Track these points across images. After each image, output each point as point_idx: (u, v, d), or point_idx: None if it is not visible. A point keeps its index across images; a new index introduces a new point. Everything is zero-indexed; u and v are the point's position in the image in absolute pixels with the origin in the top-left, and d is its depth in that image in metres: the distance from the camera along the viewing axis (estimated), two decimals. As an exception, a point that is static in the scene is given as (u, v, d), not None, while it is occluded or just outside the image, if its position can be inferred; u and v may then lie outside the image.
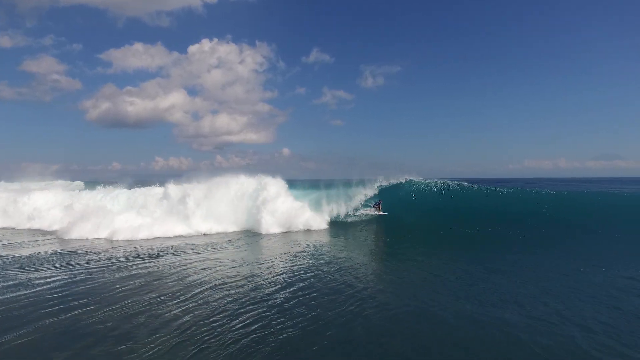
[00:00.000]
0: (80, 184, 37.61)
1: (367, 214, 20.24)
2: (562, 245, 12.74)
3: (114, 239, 15.23)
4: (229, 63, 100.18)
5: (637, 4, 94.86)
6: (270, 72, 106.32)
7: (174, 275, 9.21)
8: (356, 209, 20.50)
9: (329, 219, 18.93)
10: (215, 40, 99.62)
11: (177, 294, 7.62)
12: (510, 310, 6.63)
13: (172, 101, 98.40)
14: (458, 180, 23.54)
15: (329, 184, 22.25)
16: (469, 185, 22.20)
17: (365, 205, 21.00)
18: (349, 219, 19.46)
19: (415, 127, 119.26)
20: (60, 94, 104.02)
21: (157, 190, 21.04)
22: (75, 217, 17.71)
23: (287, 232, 16.79)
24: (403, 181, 23.02)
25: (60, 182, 36.96)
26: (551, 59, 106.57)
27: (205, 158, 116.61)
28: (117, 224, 16.23)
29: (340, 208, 20.05)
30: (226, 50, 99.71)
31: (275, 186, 18.85)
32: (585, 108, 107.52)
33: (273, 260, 11.05)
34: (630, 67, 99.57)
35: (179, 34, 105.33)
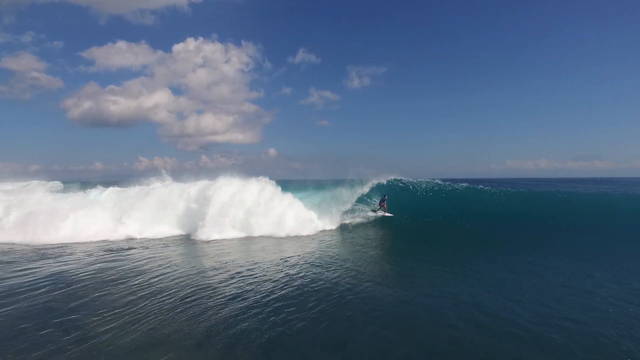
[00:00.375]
0: (58, 184, 36.44)
1: (374, 216, 18.86)
2: (567, 244, 12.73)
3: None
4: (214, 62, 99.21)
5: (617, 7, 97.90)
6: (256, 72, 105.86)
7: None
8: (354, 211, 19.20)
9: (337, 221, 17.66)
10: (201, 39, 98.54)
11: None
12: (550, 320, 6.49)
13: (157, 100, 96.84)
14: (443, 180, 23.65)
15: (319, 186, 21.54)
16: (459, 185, 22.50)
17: (371, 206, 19.78)
18: (348, 221, 18.15)
19: (400, 128, 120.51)
20: (41, 92, 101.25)
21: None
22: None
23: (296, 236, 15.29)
24: (384, 182, 22.16)
25: (35, 182, 35.78)
26: (534, 61, 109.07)
27: (190, 158, 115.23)
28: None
29: (338, 210, 18.42)
30: (212, 49, 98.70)
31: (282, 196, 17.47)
32: (565, 110, 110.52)
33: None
34: (609, 69, 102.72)
35: (164, 32, 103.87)
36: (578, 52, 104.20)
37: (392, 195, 20.51)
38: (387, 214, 19.11)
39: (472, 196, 21.59)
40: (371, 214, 19.29)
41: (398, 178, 22.82)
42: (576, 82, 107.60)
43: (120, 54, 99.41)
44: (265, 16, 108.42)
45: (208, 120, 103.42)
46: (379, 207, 19.61)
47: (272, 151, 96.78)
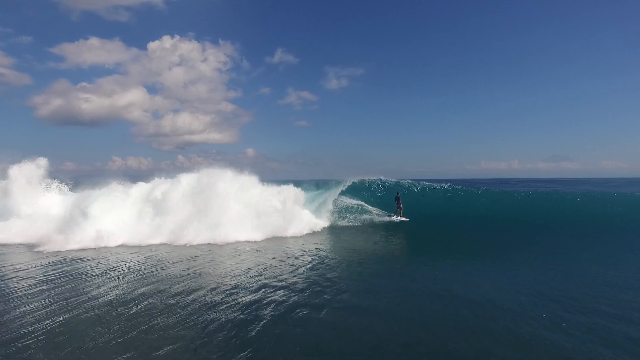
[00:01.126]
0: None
1: (390, 220, 18.09)
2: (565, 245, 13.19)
3: None
4: (191, 61, 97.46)
5: (583, 8, 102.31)
6: (234, 71, 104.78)
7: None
8: (349, 212, 18.71)
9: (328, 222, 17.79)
10: (177, 37, 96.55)
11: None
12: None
13: (131, 99, 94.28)
14: (419, 180, 24.07)
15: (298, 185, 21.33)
16: (438, 185, 22.98)
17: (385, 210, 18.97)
18: (345, 223, 18.02)
19: (377, 129, 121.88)
20: (7, 88, 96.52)
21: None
22: None
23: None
24: (356, 181, 21.73)
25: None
26: (508, 64, 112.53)
27: (166, 158, 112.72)
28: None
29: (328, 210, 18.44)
30: (188, 47, 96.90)
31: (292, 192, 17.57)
32: (537, 112, 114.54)
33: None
34: (577, 72, 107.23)
35: (139, 29, 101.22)
36: (548, 56, 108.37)
37: (370, 196, 20.67)
38: (403, 219, 17.95)
39: (462, 197, 22.23)
40: (385, 219, 18.26)
41: (375, 178, 22.66)
42: (547, 85, 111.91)
43: (92, 50, 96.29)
44: (243, 15, 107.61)
45: (184, 120, 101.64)
46: (395, 210, 18.41)
47: (250, 151, 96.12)
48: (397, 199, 18.45)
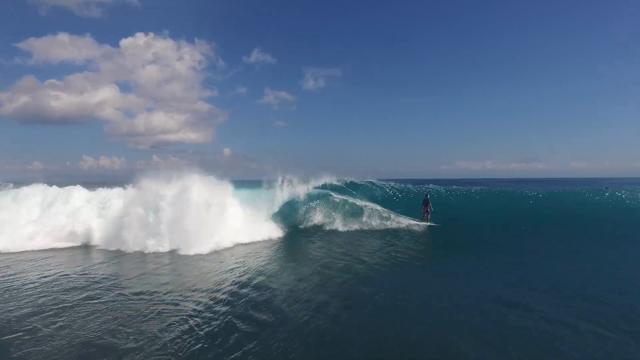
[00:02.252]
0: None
1: (418, 225, 16.66)
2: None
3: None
4: (165, 59, 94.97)
5: (556, 11, 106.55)
6: (210, 70, 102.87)
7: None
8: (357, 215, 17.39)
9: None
10: (152, 34, 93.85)
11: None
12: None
13: (103, 97, 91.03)
14: (395, 180, 24.29)
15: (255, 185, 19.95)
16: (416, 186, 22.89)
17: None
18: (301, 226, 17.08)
19: (354, 130, 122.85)
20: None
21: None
22: None
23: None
24: (322, 183, 20.30)
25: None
26: (481, 66, 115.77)
27: (140, 158, 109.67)
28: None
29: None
30: (163, 45, 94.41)
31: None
32: (506, 113, 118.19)
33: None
34: (548, 74, 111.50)
35: (111, 26, 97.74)
36: (523, 57, 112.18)
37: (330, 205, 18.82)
38: (430, 224, 16.62)
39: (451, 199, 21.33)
40: (412, 222, 16.71)
41: (373, 181, 22.18)
42: (516, 86, 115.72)
43: (62, 46, 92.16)
44: (220, 14, 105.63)
45: (159, 119, 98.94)
46: (422, 215, 17.01)
47: (227, 151, 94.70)
48: (425, 202, 17.09)
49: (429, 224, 16.71)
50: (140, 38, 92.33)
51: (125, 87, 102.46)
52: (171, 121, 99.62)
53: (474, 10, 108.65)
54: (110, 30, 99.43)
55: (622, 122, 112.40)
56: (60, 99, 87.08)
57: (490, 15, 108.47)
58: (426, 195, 17.41)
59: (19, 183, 22.38)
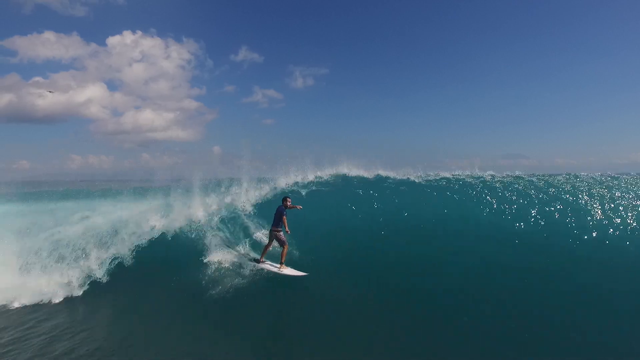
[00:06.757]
0: None
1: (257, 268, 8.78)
2: None
3: None
4: (153, 57, 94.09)
5: (539, 6, 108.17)
6: (198, 69, 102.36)
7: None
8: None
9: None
10: (139, 32, 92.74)
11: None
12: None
13: (89, 95, 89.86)
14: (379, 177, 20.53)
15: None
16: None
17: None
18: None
19: (342, 128, 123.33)
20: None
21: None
22: None
23: None
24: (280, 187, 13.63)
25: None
26: (467, 63, 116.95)
27: (128, 156, 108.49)
28: None
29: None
30: (150, 44, 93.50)
31: None
32: (492, 109, 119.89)
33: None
34: (530, 70, 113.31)
35: (97, 24, 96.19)
36: (506, 54, 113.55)
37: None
38: (283, 270, 8.49)
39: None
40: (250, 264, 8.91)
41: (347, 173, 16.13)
42: (500, 82, 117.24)
43: (47, 45, 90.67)
44: (207, 13, 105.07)
45: (147, 117, 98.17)
46: (269, 239, 8.96)
47: (216, 149, 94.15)
48: (278, 215, 8.69)
49: (281, 270, 8.53)
50: (127, 36, 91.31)
51: (112, 85, 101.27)
52: (159, 119, 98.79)
53: (459, 8, 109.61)
54: (96, 28, 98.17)
55: (607, 118, 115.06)
56: (44, 97, 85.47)
57: (477, 13, 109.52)
58: (284, 200, 8.91)
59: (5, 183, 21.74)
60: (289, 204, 8.98)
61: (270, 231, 8.87)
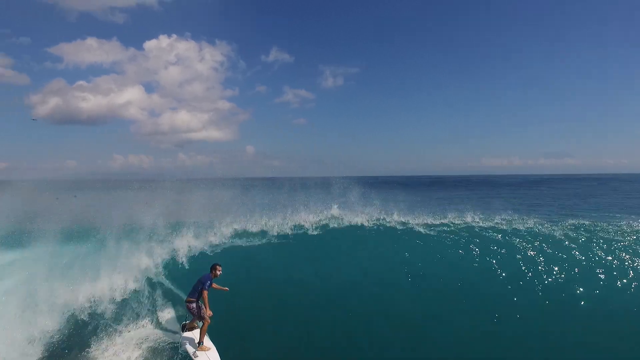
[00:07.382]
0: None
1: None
2: None
3: None
4: (187, 60, 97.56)
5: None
6: (230, 70, 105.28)
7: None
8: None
9: None
10: (174, 36, 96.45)
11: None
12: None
13: (128, 97, 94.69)
14: (419, 177, 21.79)
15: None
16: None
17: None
18: None
19: (373, 126, 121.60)
20: (5, 88, 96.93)
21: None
22: None
23: None
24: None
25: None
26: (508, 59, 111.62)
27: (166, 156, 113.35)
28: None
29: None
30: (185, 47, 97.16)
31: None
32: (538, 108, 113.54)
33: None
34: (578, 69, 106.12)
35: (135, 30, 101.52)
36: (549, 51, 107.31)
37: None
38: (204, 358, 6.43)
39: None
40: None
41: None
42: (546, 81, 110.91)
43: (90, 50, 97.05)
44: (239, 15, 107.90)
45: (183, 118, 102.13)
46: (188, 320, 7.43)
47: (249, 149, 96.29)
48: (200, 282, 7.01)
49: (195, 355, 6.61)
50: (163, 40, 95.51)
51: (149, 87, 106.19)
52: (194, 120, 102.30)
53: (487, 7, 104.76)
54: (134, 33, 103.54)
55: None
56: (88, 100, 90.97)
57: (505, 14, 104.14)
58: (213, 269, 7.14)
59: (54, 182, 23.21)
60: (218, 273, 7.10)
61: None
